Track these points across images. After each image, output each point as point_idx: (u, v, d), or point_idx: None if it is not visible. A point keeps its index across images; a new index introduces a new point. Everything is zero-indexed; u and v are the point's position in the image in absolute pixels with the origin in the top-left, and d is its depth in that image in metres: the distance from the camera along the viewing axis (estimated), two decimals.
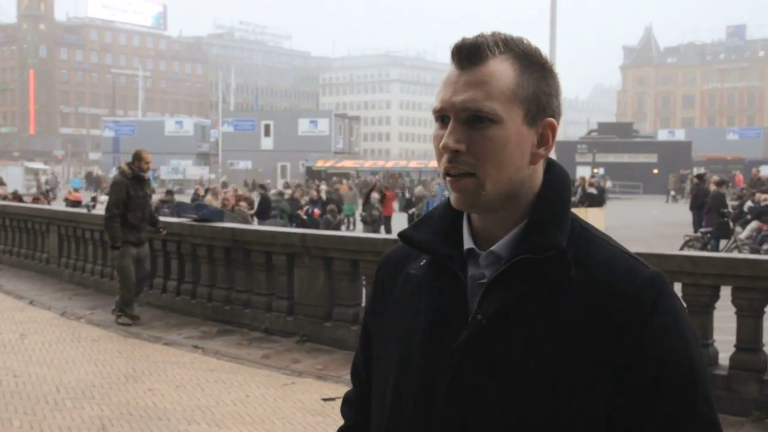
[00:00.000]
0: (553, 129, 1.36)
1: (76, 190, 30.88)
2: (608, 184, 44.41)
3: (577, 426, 1.28)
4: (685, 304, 5.73)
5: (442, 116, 1.34)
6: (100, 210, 14.16)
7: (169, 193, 21.08)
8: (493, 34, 1.34)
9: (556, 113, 1.36)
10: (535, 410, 1.28)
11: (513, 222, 1.36)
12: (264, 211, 19.20)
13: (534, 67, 1.34)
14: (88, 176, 62.64)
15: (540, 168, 1.38)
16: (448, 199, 1.42)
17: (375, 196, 22.47)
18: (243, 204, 17.41)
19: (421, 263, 1.44)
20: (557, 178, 1.39)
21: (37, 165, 72.93)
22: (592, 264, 1.32)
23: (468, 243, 1.38)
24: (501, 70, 1.31)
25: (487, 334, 1.31)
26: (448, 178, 1.33)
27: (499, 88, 1.30)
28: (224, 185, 24.14)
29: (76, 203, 19.97)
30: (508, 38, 1.34)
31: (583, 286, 1.29)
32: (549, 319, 1.29)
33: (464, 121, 1.31)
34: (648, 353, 1.27)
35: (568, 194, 1.39)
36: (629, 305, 1.28)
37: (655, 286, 1.30)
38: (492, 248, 1.35)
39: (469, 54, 1.31)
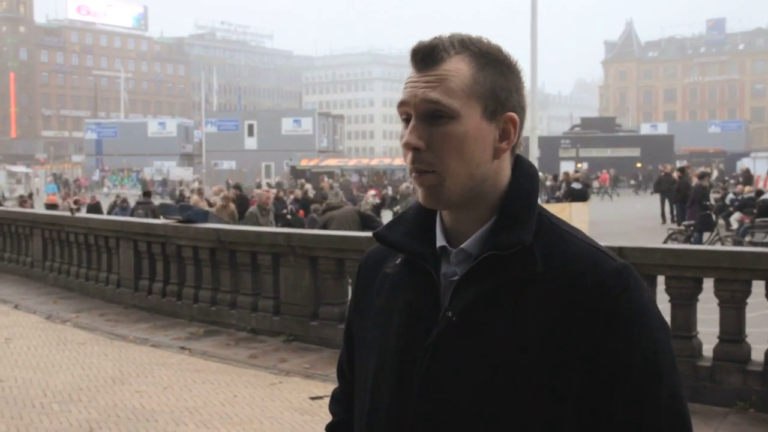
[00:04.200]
0: (514, 123, 1.38)
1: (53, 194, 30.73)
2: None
3: (549, 417, 1.30)
4: (668, 297, 5.76)
5: (405, 115, 1.38)
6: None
7: (146, 194, 20.54)
8: (450, 36, 1.37)
9: (517, 108, 1.39)
10: (507, 404, 1.30)
11: (482, 219, 1.38)
12: (241, 212, 19.11)
13: (491, 64, 1.36)
14: (56, 178, 62.30)
15: (506, 164, 1.40)
16: None
17: (371, 193, 22.20)
18: (232, 205, 17.38)
19: (396, 262, 1.47)
20: (524, 175, 1.41)
21: (19, 168, 72.41)
22: (559, 258, 1.34)
23: (440, 241, 1.41)
24: (458, 68, 1.34)
25: (458, 331, 1.34)
26: (413, 175, 1.37)
27: (456, 85, 1.33)
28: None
29: (53, 206, 19.90)
30: (465, 38, 1.37)
31: (551, 280, 1.32)
32: (518, 314, 1.31)
33: (424, 119, 1.34)
34: (614, 343, 1.29)
35: (535, 190, 1.41)
36: (596, 296, 1.30)
37: (622, 277, 1.32)
38: (462, 246, 1.38)
39: (425, 56, 1.35)
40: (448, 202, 1.37)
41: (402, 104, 1.37)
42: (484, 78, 1.35)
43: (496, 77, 1.36)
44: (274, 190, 25.89)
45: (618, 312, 1.30)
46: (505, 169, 1.40)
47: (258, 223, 12.32)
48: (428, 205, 1.39)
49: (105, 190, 52.57)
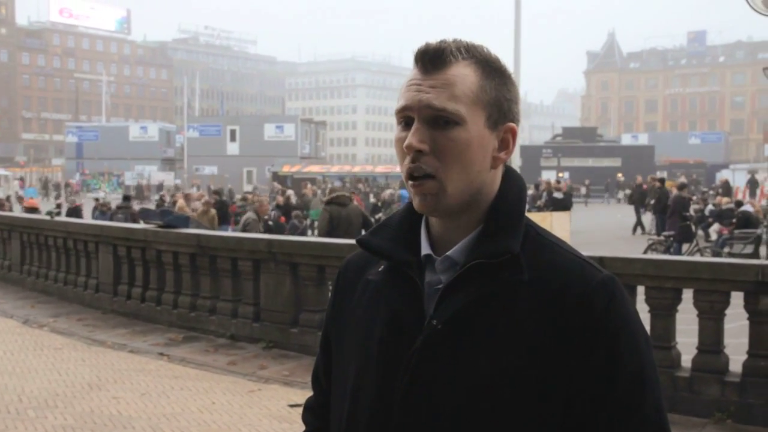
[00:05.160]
0: (514, 134, 1.39)
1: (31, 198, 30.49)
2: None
3: (533, 426, 1.29)
4: (647, 307, 5.78)
5: (405, 119, 1.36)
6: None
7: (126, 198, 20.51)
8: (456, 41, 1.37)
9: (516, 119, 1.39)
10: (491, 413, 1.29)
11: (470, 228, 1.38)
12: (221, 217, 19.07)
13: (495, 73, 1.37)
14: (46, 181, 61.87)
15: (499, 174, 1.41)
16: (407, 204, 1.44)
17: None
18: (212, 211, 17.33)
19: (380, 269, 1.45)
20: (513, 185, 1.42)
21: None
22: (545, 268, 1.34)
23: (425, 249, 1.40)
24: (465, 74, 1.34)
25: (442, 339, 1.33)
26: (410, 182, 1.35)
27: (462, 91, 1.32)
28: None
29: (33, 209, 19.75)
30: (470, 45, 1.37)
31: (537, 290, 1.31)
32: (503, 323, 1.31)
33: (428, 122, 1.33)
34: (598, 356, 1.29)
35: (523, 200, 1.41)
36: (581, 308, 1.30)
37: (608, 289, 1.32)
38: (447, 253, 1.37)
39: (433, 59, 1.34)
40: (446, 210, 1.36)
41: (404, 108, 1.35)
42: (489, 87, 1.35)
43: (501, 87, 1.37)
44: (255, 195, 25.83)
45: (603, 324, 1.30)
46: (497, 179, 1.40)
47: (258, 230, 12.22)
48: (426, 212, 1.38)
49: (101, 194, 51.73)
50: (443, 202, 1.34)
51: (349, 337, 1.48)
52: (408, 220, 1.45)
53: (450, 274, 1.35)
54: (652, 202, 25.10)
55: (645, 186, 27.35)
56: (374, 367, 1.39)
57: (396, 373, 1.35)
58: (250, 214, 13.36)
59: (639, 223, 25.95)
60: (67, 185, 59.92)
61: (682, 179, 25.70)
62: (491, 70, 1.36)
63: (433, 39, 1.39)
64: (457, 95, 1.32)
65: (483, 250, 1.33)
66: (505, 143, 1.38)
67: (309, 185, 36.79)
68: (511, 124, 1.38)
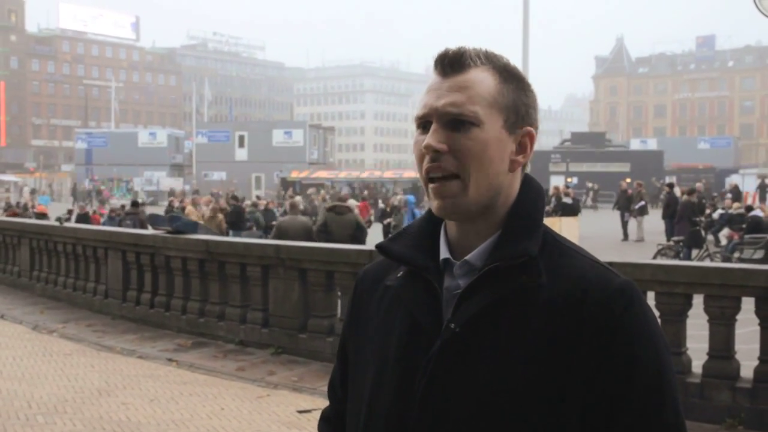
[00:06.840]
0: (531, 138, 1.40)
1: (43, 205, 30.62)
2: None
3: (552, 429, 1.29)
4: (657, 313, 5.76)
5: (424, 122, 1.38)
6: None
7: (135, 204, 20.51)
8: (475, 48, 1.40)
9: (534, 124, 1.41)
10: (509, 417, 1.29)
11: (488, 232, 1.38)
12: (236, 223, 19.11)
13: (513, 79, 1.39)
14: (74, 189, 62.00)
15: (517, 179, 1.42)
16: (427, 212, 1.45)
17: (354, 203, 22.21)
18: (220, 216, 17.37)
19: (398, 275, 1.46)
20: (532, 191, 1.43)
21: (9, 177, 72.21)
22: (563, 273, 1.34)
23: (444, 253, 1.41)
24: (482, 78, 1.36)
25: (460, 343, 1.33)
26: (430, 185, 1.36)
27: (480, 94, 1.35)
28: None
29: (42, 215, 19.88)
30: (489, 52, 1.40)
31: (555, 295, 1.32)
32: (520, 327, 1.31)
33: (446, 124, 1.35)
34: (617, 360, 1.29)
35: (541, 206, 1.42)
36: (599, 313, 1.30)
37: (625, 294, 1.32)
38: (466, 258, 1.38)
39: (452, 62, 1.37)
40: (466, 213, 1.37)
41: (425, 108, 1.37)
42: (507, 90, 1.37)
43: (518, 92, 1.39)
44: (265, 201, 25.89)
45: (622, 328, 1.30)
46: (515, 184, 1.42)
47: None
48: (444, 215, 1.39)
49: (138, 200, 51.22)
50: (463, 204, 1.35)
51: (367, 345, 1.48)
52: (427, 227, 1.46)
53: (468, 278, 1.36)
54: (638, 206, 25.27)
55: (630, 192, 27.32)
56: (392, 371, 1.40)
57: (414, 376, 1.36)
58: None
59: (624, 229, 25.72)
60: (98, 192, 59.67)
61: (674, 186, 25.77)
62: (509, 75, 1.39)
63: (445, 45, 1.42)
64: (474, 97, 1.34)
65: (501, 254, 1.34)
66: (523, 147, 1.40)
67: (321, 191, 36.81)
68: (529, 128, 1.40)
